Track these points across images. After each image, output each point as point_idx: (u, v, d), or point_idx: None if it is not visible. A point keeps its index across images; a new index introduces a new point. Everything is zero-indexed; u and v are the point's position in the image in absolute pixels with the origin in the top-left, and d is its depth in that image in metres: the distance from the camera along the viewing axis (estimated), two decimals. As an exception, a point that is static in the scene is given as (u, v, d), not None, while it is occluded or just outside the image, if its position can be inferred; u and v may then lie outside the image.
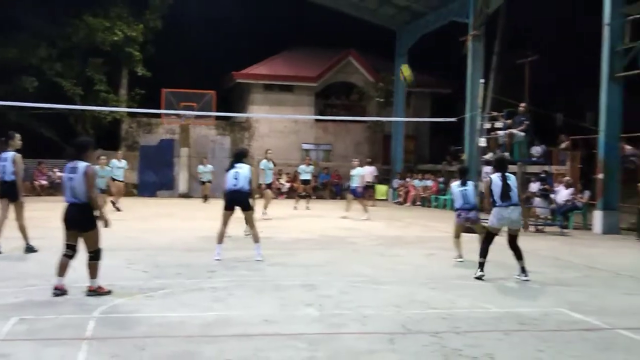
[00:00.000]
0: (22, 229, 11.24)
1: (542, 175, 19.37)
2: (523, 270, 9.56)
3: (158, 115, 29.38)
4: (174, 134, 30.21)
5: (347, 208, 19.85)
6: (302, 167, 23.32)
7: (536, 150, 18.39)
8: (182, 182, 29.32)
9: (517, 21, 30.13)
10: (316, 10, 32.71)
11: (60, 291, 7.72)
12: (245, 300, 7.84)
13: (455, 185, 11.59)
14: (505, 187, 9.45)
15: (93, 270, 7.84)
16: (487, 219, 10.14)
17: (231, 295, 8.07)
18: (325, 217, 19.65)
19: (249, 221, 11.05)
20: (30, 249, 11.18)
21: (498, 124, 17.84)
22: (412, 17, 29.66)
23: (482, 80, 19.81)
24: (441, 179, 27.53)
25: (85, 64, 29.72)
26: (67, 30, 29.04)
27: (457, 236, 11.59)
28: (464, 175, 11.53)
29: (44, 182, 27.90)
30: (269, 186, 18.83)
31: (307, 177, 23.28)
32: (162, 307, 7.36)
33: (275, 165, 19.73)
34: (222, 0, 33.56)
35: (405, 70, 23.42)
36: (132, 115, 30.34)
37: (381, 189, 30.04)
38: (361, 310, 7.37)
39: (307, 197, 23.59)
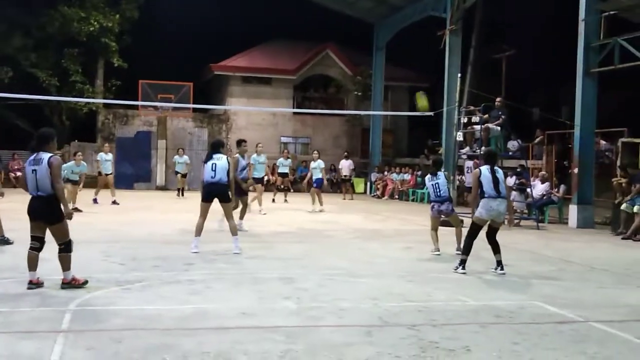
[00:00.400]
0: None
1: (519, 170, 19.52)
2: (499, 264, 9.60)
3: (135, 107, 29.19)
4: (151, 126, 30.02)
5: (313, 201, 19.69)
6: (281, 160, 23.24)
7: (512, 144, 18.50)
8: (159, 174, 29.15)
9: (494, 16, 30.32)
10: (295, 2, 32.68)
11: (35, 285, 7.63)
12: (223, 293, 7.82)
13: (427, 178, 11.67)
14: (495, 180, 9.49)
15: (65, 263, 7.67)
16: (466, 212, 10.22)
17: (209, 288, 8.05)
18: (303, 210, 19.64)
19: (227, 214, 11.00)
20: (4, 241, 11.06)
21: (475, 118, 17.95)
22: (390, 11, 29.71)
23: (459, 75, 19.91)
24: (419, 173, 27.65)
25: (60, 54, 29.41)
26: (42, 20, 28.72)
27: (434, 229, 11.60)
28: (435, 167, 11.58)
29: (19, 174, 27.57)
30: (260, 181, 18.10)
31: (285, 170, 23.21)
32: (139, 300, 7.32)
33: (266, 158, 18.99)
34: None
35: (420, 100, 22.94)
36: (108, 106, 30.08)
37: (359, 182, 30.12)
38: (338, 303, 7.39)
39: (285, 190, 23.61)
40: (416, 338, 6.01)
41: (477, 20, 30.18)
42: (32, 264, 7.68)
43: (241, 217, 13.95)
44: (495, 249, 9.68)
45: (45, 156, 7.58)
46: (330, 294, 7.90)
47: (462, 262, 9.53)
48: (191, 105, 28.25)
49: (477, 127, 17.47)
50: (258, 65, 33.34)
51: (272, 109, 32.43)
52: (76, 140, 28.39)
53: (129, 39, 31.12)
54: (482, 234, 9.80)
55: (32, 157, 7.66)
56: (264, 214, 17.59)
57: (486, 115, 17.34)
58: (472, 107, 18.98)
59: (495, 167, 9.72)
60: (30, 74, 28.67)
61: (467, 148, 18.07)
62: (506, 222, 10.41)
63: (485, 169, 9.64)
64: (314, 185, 20.08)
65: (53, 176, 7.55)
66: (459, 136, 18.04)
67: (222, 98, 33.50)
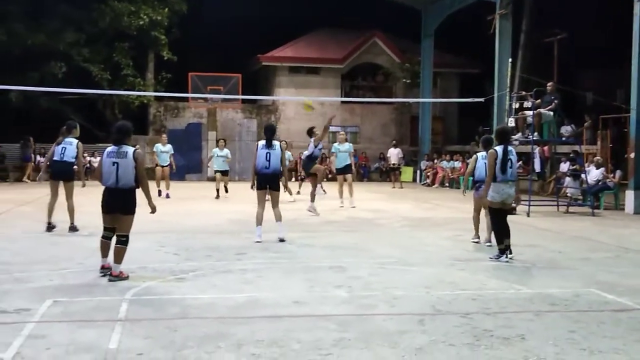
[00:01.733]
0: (71, 210, 11.71)
1: (572, 156, 19.16)
2: (507, 248, 9.30)
3: (185, 99, 29.53)
4: (202, 118, 30.36)
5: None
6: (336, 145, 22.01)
7: (566, 129, 18.16)
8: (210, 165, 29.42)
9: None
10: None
11: (107, 270, 7.87)
12: (275, 282, 7.88)
13: (481, 155, 10.81)
14: (505, 161, 9.18)
15: (120, 255, 7.74)
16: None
17: (261, 277, 8.12)
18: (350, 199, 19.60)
19: (275, 201, 11.07)
20: (73, 229, 11.59)
21: (526, 104, 17.63)
22: (438, -3, 29.34)
23: (510, 60, 19.58)
24: (470, 160, 27.32)
25: (112, 48, 29.90)
26: (94, 15, 29.23)
27: (477, 211, 11.08)
28: (488, 146, 10.33)
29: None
30: (342, 171, 17.38)
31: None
32: (193, 289, 7.44)
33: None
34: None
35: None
36: (159, 99, 30.54)
37: (407, 170, 29.92)
38: (390, 291, 7.38)
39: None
40: (470, 326, 5.97)
41: (527, 3, 29.58)
42: (105, 251, 7.96)
43: (312, 200, 14.63)
44: (506, 233, 9.35)
45: (130, 149, 7.76)
46: (381, 282, 7.90)
47: (505, 249, 9.29)
48: (240, 97, 28.44)
49: (529, 112, 17.15)
50: (305, 55, 33.35)
51: (320, 99, 32.42)
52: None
53: (178, 32, 31.47)
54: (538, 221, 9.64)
55: (113, 150, 7.76)
56: (341, 206, 17.00)
57: (538, 101, 17.01)
58: (523, 92, 18.64)
59: (510, 148, 9.41)
60: (83, 69, 29.23)
61: (519, 134, 17.77)
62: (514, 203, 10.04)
63: (500, 150, 9.31)
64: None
65: (139, 170, 7.74)
66: (511, 122, 17.74)
67: (270, 88, 33.64)
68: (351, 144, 18.42)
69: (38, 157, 28.31)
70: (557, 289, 7.62)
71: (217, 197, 19.33)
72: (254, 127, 30.78)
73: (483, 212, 10.90)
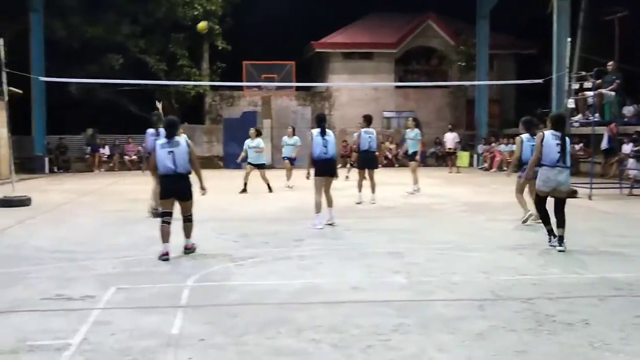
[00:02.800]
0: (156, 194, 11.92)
1: (635, 136, 18.62)
2: (560, 240, 8.81)
3: (240, 88, 29.78)
4: (256, 106, 30.59)
5: (288, 176, 18.88)
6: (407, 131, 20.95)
7: (628, 110, 17.68)
8: (265, 153, 29.62)
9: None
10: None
11: (167, 256, 8.24)
12: (333, 268, 7.91)
13: (525, 138, 11.03)
14: (561, 148, 8.72)
15: (189, 231, 8.60)
16: (579, 182, 9.77)
17: (319, 263, 8.15)
18: (409, 184, 19.48)
19: (329, 186, 11.17)
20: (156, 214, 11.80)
21: (587, 84, 17.19)
22: (493, -23, 28.80)
23: (568, 39, 19.08)
24: (514, 145, 26.82)
25: (167, 39, 30.36)
26: (149, 6, 29.70)
27: (520, 191, 11.26)
28: (558, 126, 9.63)
29: (134, 157, 28.79)
30: (412, 157, 17.31)
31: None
32: (252, 275, 7.52)
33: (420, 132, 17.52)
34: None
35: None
36: (214, 88, 30.89)
37: (464, 155, 29.56)
38: (449, 277, 7.32)
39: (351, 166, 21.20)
40: (531, 312, 5.87)
41: (586, -19, 28.78)
42: (166, 237, 8.35)
43: (373, 191, 14.55)
44: (560, 222, 8.85)
45: (181, 139, 8.49)
46: (440, 268, 7.84)
47: (550, 232, 9.01)
48: (294, 84, 28.52)
49: (590, 93, 16.73)
50: (358, 40, 33.21)
51: (374, 84, 32.27)
52: (185, 123, 29.32)
53: (232, 21, 31.71)
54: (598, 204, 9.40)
55: (166, 141, 8.41)
56: (414, 191, 16.90)
57: (599, 81, 16.57)
58: (583, 73, 18.18)
59: (565, 136, 8.87)
60: (140, 60, 29.78)
61: (580, 115, 17.36)
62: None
63: (549, 135, 8.85)
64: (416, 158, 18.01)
65: (192, 155, 8.48)
66: (571, 103, 17.34)
67: (323, 75, 33.64)
68: (419, 131, 17.65)
69: (101, 149, 29.02)
70: (621, 273, 7.43)
71: (243, 190, 17.33)
72: (308, 114, 30.88)
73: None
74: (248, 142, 18.20)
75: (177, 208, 8.58)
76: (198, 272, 7.61)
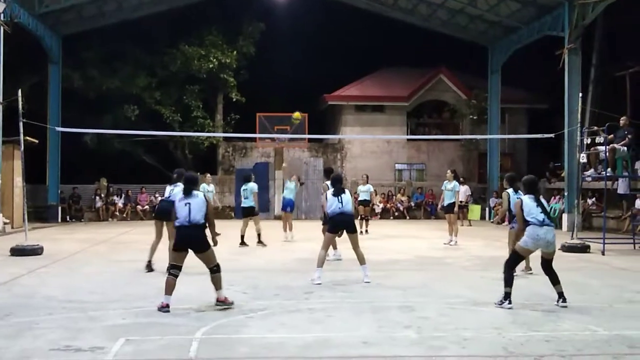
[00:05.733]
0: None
1: (648, 191, 18.56)
2: (560, 296, 8.76)
3: (253, 139, 30.03)
4: (269, 157, 30.76)
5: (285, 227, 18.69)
6: (360, 187, 20.90)
7: (640, 165, 17.64)
8: (277, 204, 29.71)
9: (616, 32, 29.12)
10: (406, 29, 32.75)
11: (167, 308, 8.18)
12: (344, 322, 7.84)
13: (511, 191, 11.75)
14: (541, 206, 8.80)
15: (218, 282, 8.52)
16: (590, 237, 9.74)
17: (329, 317, 8.10)
18: (420, 237, 19.45)
19: (355, 243, 10.95)
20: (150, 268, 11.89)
21: (599, 139, 17.22)
22: (504, 32, 29.18)
23: (580, 94, 19.21)
24: (502, 199, 26.75)
25: (182, 91, 30.80)
26: (165, 59, 30.24)
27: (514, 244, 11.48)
28: (512, 183, 11.97)
29: (147, 207, 28.90)
30: (450, 209, 17.43)
31: (366, 197, 20.35)
32: (262, 328, 7.47)
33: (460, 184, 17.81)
34: (312, 24, 34.13)
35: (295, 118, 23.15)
36: (227, 139, 31.17)
37: (475, 208, 29.47)
38: (460, 332, 7.24)
39: (365, 219, 20.69)
40: (544, 369, 5.79)
41: (597, 37, 29.11)
42: (170, 290, 8.32)
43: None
44: (554, 279, 8.85)
45: (199, 192, 8.69)
46: (451, 323, 7.76)
47: (507, 295, 8.69)
48: (306, 136, 28.71)
49: (602, 148, 16.74)
50: (371, 93, 33.55)
51: (386, 137, 32.46)
52: (198, 173, 29.46)
53: (246, 74, 32.17)
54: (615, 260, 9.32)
55: (183, 195, 8.59)
56: (451, 243, 17.23)
57: (611, 136, 16.60)
58: (595, 128, 18.23)
59: (540, 197, 9.00)
60: (155, 111, 30.19)
61: (592, 170, 17.35)
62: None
63: (527, 198, 8.93)
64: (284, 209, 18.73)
65: (208, 208, 8.57)
66: (583, 158, 17.35)
67: (336, 127, 33.91)
68: (457, 183, 18.12)
69: (115, 198, 29.14)
70: (635, 331, 7.33)
71: (241, 243, 16.51)
72: (320, 165, 31.00)
73: None
74: (288, 185, 18.99)
75: (187, 262, 8.57)
76: (207, 324, 7.56)
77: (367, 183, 20.46)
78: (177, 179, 12.24)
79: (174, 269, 8.39)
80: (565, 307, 8.60)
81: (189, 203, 8.42)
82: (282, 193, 19.39)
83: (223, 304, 8.45)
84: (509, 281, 8.78)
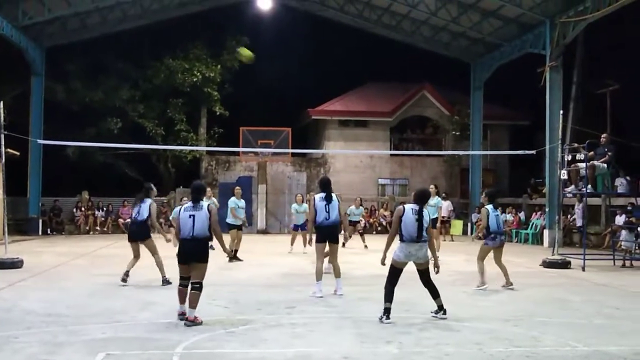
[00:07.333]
0: (159, 264, 12.05)
1: (629, 208, 18.73)
2: (440, 308, 8.97)
3: (236, 153, 30.00)
4: (252, 171, 30.74)
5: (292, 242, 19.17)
6: (352, 208, 21.32)
7: (620, 182, 17.79)
8: (260, 218, 29.69)
9: (596, 50, 29.49)
10: (390, 45, 32.96)
11: (183, 316, 8.39)
12: (325, 337, 7.84)
13: (490, 208, 12.18)
14: (420, 223, 8.80)
15: (194, 301, 8.36)
16: (571, 253, 9.82)
17: (311, 332, 8.08)
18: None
19: (333, 254, 11.03)
20: (166, 282, 11.78)
21: (579, 156, 17.39)
22: (487, 50, 29.47)
23: (561, 112, 19.40)
24: (522, 213, 26.96)
25: (166, 104, 30.74)
26: (149, 72, 30.19)
27: (482, 259, 12.18)
28: (492, 199, 12.45)
29: (128, 220, 28.70)
30: (432, 224, 17.43)
31: (357, 219, 21.38)
32: (243, 343, 7.44)
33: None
34: (297, 39, 34.27)
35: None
36: (211, 153, 31.10)
37: (457, 224, 29.56)
38: (441, 347, 7.25)
39: (360, 233, 21.75)
40: (524, 385, 5.81)
41: (578, 55, 29.47)
42: (183, 298, 8.52)
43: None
44: (433, 293, 9.04)
45: (204, 203, 8.69)
46: (432, 338, 7.77)
47: (387, 311, 8.67)
48: (290, 150, 28.77)
49: (582, 164, 16.90)
50: (354, 108, 33.67)
51: (369, 152, 32.56)
52: (181, 187, 29.41)
53: (230, 87, 32.19)
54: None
55: (189, 205, 8.67)
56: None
57: (591, 153, 16.77)
58: (576, 145, 18.41)
59: (424, 210, 8.95)
60: (138, 124, 30.09)
61: (572, 186, 17.50)
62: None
63: (409, 209, 8.87)
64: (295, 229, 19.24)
65: (213, 221, 8.57)
66: (563, 174, 17.50)
67: (319, 142, 33.97)
68: (439, 199, 18.43)
69: (96, 211, 28.91)
70: (614, 347, 7.38)
71: (233, 258, 16.11)
72: (304, 179, 31.04)
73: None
74: (296, 207, 19.26)
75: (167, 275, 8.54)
76: (188, 339, 7.52)
77: (360, 206, 21.09)
78: (146, 194, 12.29)
79: (182, 280, 8.60)
80: (445, 318, 8.87)
81: (193, 216, 8.49)
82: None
83: (193, 323, 8.25)
84: (389, 296, 8.82)
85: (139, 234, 12.06)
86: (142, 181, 29.88)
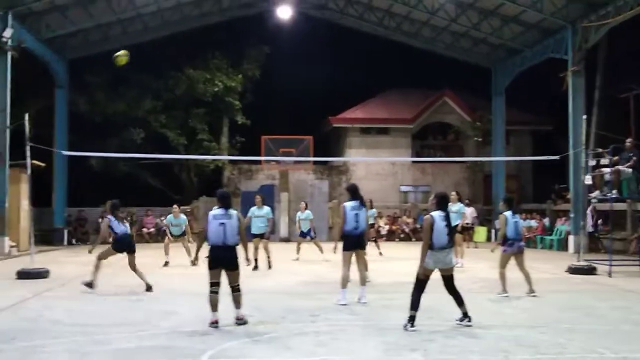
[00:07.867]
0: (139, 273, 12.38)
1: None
2: (465, 315, 8.94)
3: (258, 162, 30.11)
4: (274, 180, 30.81)
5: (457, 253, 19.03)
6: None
7: (646, 186, 17.56)
8: (282, 226, 29.72)
9: (619, 54, 29.19)
10: (409, 52, 32.92)
11: (216, 324, 8.65)
12: (349, 345, 7.82)
13: (509, 215, 11.90)
14: (449, 229, 8.82)
15: (238, 301, 8.92)
16: (597, 259, 9.71)
17: (335, 340, 8.07)
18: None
19: (362, 261, 11.06)
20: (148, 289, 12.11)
21: (604, 161, 17.21)
22: (508, 55, 29.34)
23: (584, 116, 19.24)
24: (546, 219, 26.72)
25: (187, 114, 30.92)
26: (171, 83, 30.41)
27: (503, 266, 12.11)
28: (509, 205, 12.14)
29: (152, 230, 28.91)
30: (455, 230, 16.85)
31: (370, 221, 20.24)
32: (267, 352, 7.45)
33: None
34: (317, 47, 34.36)
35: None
36: (233, 162, 31.24)
37: (481, 230, 29.36)
38: (466, 355, 7.21)
39: (373, 240, 21.27)
40: (551, 392, 5.76)
41: (600, 60, 29.20)
42: (215, 306, 8.70)
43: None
44: (458, 300, 9.04)
45: (234, 212, 8.97)
46: (457, 345, 7.72)
47: (412, 319, 8.65)
48: (311, 159, 28.79)
49: (607, 169, 16.73)
50: (375, 115, 33.68)
51: (391, 159, 32.52)
52: (204, 196, 29.53)
53: (252, 97, 32.33)
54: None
55: (220, 213, 8.89)
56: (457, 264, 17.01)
57: (616, 157, 16.59)
58: (600, 150, 18.23)
59: (449, 214, 9.08)
60: (160, 134, 30.29)
61: (597, 192, 17.32)
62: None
63: (438, 217, 8.87)
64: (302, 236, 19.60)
65: (241, 229, 8.94)
66: (588, 180, 17.33)
67: (341, 149, 33.98)
68: (462, 205, 18.32)
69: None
70: (644, 354, 7.29)
71: (255, 267, 15.56)
72: (326, 187, 31.02)
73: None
74: (300, 215, 19.65)
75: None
76: (213, 347, 7.55)
77: (372, 207, 20.60)
78: (113, 208, 12.72)
79: (213, 286, 8.76)
80: (471, 326, 8.80)
81: (224, 224, 8.74)
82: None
83: (241, 320, 8.80)
84: (415, 304, 8.77)
85: (127, 245, 12.57)
86: (165, 191, 30.39)
